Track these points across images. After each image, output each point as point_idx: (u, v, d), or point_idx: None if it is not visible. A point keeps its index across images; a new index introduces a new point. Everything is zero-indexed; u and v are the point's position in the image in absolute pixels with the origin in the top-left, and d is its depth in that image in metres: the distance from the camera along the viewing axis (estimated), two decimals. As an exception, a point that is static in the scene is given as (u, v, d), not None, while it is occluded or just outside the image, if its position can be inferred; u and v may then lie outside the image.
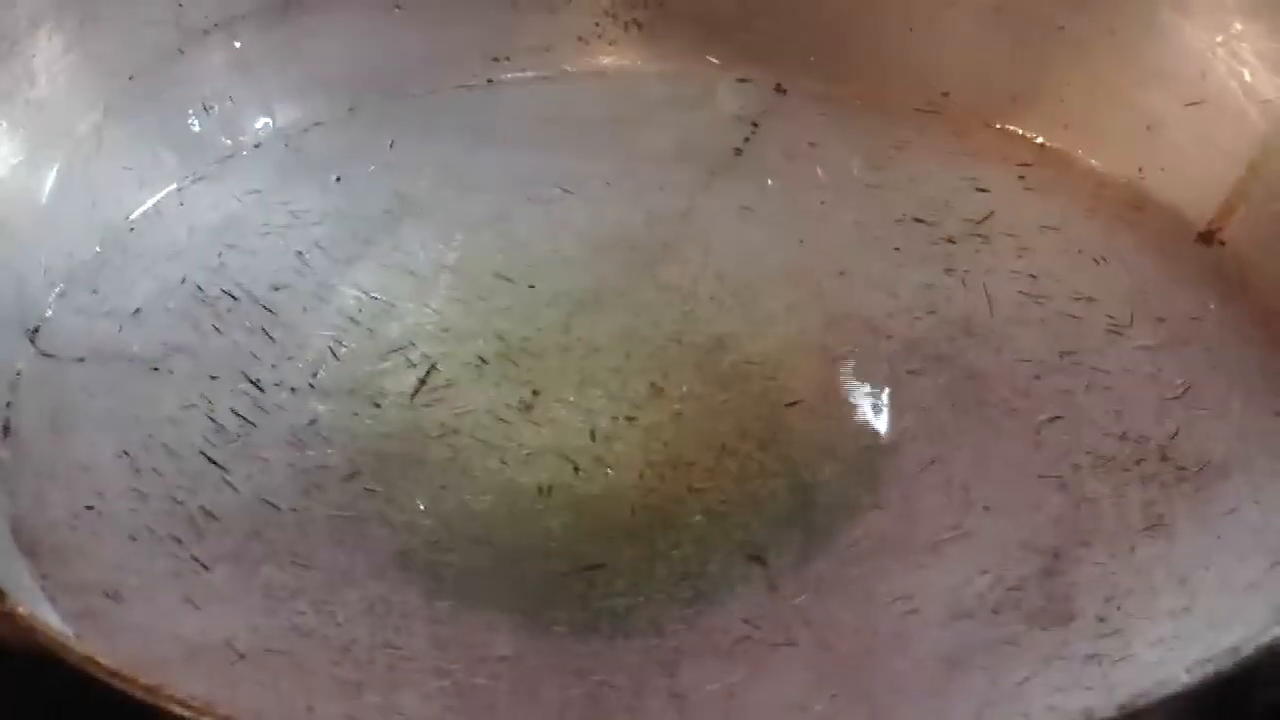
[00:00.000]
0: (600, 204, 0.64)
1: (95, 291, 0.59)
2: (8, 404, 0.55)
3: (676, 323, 0.59)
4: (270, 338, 0.58)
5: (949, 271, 0.61)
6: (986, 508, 0.52)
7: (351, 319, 0.59)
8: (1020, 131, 0.66)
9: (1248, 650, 0.41)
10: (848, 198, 0.64)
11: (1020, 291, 0.60)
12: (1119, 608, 0.49)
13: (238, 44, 0.66)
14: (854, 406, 0.56)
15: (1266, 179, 0.61)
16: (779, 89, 0.69)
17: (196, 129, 0.65)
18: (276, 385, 0.56)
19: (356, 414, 0.55)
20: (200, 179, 0.64)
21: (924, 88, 0.68)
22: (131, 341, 0.58)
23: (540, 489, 0.53)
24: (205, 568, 0.50)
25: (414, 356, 0.58)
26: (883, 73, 0.68)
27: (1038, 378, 0.56)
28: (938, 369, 0.57)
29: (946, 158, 0.65)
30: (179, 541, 0.51)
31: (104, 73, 0.63)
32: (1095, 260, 0.61)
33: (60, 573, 0.50)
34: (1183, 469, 0.53)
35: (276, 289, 0.60)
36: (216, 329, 0.58)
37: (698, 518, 0.52)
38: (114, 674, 0.40)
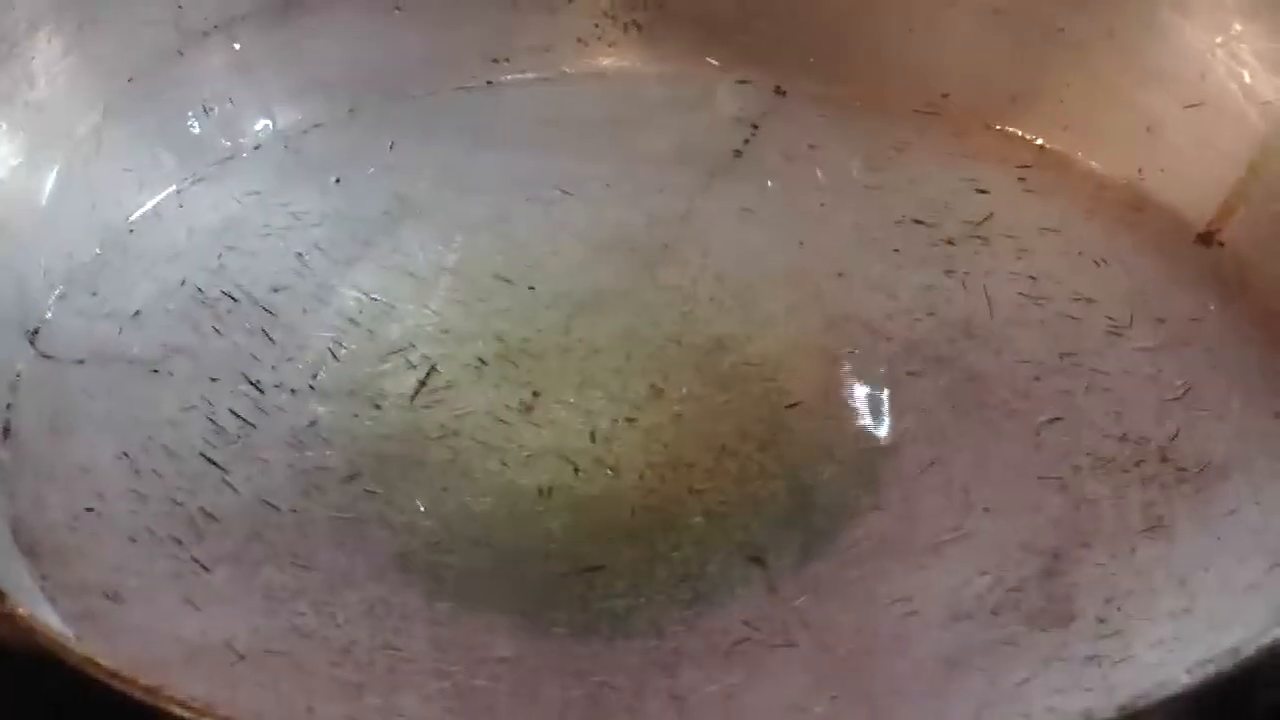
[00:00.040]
0: (600, 205, 0.64)
1: (95, 293, 0.59)
2: (8, 405, 0.55)
3: (676, 324, 0.59)
4: (270, 339, 0.58)
5: (949, 273, 0.61)
6: (986, 509, 0.52)
7: (351, 320, 0.59)
8: (1020, 133, 0.66)
9: (1248, 651, 0.41)
10: (847, 199, 0.64)
11: (1020, 293, 0.60)
12: (1119, 609, 0.49)
13: (237, 45, 0.66)
14: (854, 408, 0.56)
15: (1266, 180, 0.61)
16: (778, 91, 0.69)
17: (196, 130, 0.65)
18: (276, 387, 0.56)
19: (356, 415, 0.55)
20: (200, 180, 0.64)
21: (924, 89, 0.68)
22: (131, 343, 0.58)
23: (540, 490, 0.53)
24: (205, 569, 0.50)
25: (414, 358, 0.58)
26: (882, 74, 0.68)
27: (1037, 379, 0.56)
28: (937, 370, 0.57)
29: (946, 159, 0.65)
30: (179, 543, 0.51)
31: (103, 74, 0.63)
32: (1095, 261, 0.61)
33: (60, 574, 0.50)
34: (1183, 470, 0.53)
35: (276, 290, 0.60)
36: (216, 330, 0.58)
37: (697, 519, 0.52)
38: (114, 675, 0.40)
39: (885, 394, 0.56)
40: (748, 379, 0.57)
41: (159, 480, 0.53)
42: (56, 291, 0.59)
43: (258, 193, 0.64)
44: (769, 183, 0.65)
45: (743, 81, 0.69)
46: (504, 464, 0.54)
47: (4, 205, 0.59)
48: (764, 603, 0.49)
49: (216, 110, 0.66)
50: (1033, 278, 0.60)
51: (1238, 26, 0.63)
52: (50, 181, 0.60)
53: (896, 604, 0.49)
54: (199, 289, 0.60)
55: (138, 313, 0.59)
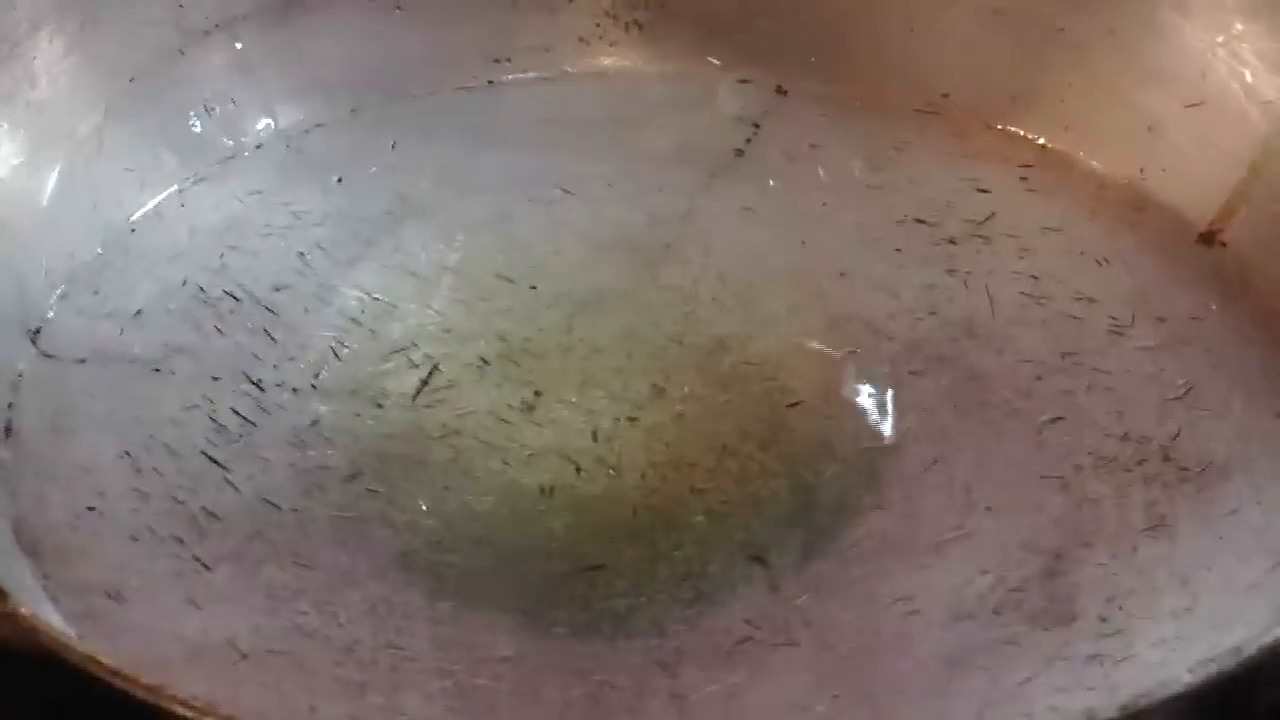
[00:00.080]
0: (601, 205, 0.64)
1: (97, 293, 0.59)
2: (9, 405, 0.55)
3: (678, 323, 0.59)
4: (272, 338, 0.58)
5: (950, 272, 0.61)
6: (988, 508, 0.52)
7: (353, 320, 0.59)
8: (1021, 132, 0.66)
9: (1250, 650, 0.41)
10: (849, 199, 0.64)
11: (1022, 292, 0.60)
12: (1121, 608, 0.49)
13: (239, 45, 0.66)
14: (855, 407, 0.56)
15: (1268, 180, 0.61)
16: (780, 90, 0.69)
17: (198, 130, 0.65)
18: (278, 386, 0.56)
19: (358, 415, 0.55)
20: (201, 180, 0.64)
21: (924, 89, 0.68)
22: (133, 343, 0.58)
23: (542, 490, 0.53)
24: (207, 568, 0.50)
25: (416, 357, 0.58)
26: (883, 74, 0.68)
27: (1039, 378, 0.56)
28: (939, 370, 0.57)
29: (947, 159, 0.65)
30: (181, 542, 0.51)
31: (105, 74, 0.63)
32: (1097, 261, 0.61)
33: (62, 573, 0.50)
34: (1184, 469, 0.53)
35: (278, 290, 0.60)
36: (218, 330, 0.58)
37: (699, 518, 0.52)
38: (116, 674, 0.40)
39: (887, 393, 0.56)
40: (749, 378, 0.57)
41: (160, 479, 0.53)
42: (58, 291, 0.59)
43: (259, 192, 0.64)
44: (770, 182, 0.65)
45: (744, 81, 0.69)
46: (506, 463, 0.54)
47: (5, 205, 0.59)
48: (766, 602, 0.49)
49: (218, 110, 0.66)
50: (1034, 277, 0.60)
51: (1239, 26, 0.63)
52: (52, 181, 0.60)
53: (898, 603, 0.49)
54: (201, 288, 0.60)
55: (139, 312, 0.59)
